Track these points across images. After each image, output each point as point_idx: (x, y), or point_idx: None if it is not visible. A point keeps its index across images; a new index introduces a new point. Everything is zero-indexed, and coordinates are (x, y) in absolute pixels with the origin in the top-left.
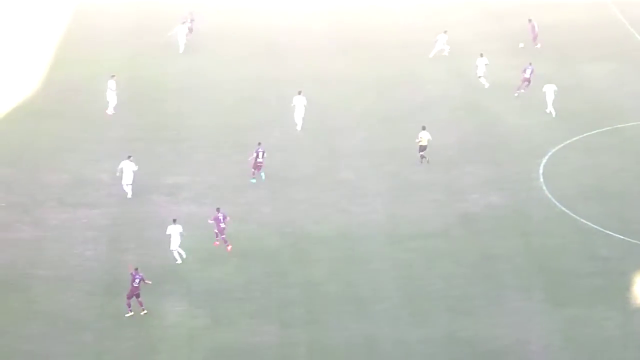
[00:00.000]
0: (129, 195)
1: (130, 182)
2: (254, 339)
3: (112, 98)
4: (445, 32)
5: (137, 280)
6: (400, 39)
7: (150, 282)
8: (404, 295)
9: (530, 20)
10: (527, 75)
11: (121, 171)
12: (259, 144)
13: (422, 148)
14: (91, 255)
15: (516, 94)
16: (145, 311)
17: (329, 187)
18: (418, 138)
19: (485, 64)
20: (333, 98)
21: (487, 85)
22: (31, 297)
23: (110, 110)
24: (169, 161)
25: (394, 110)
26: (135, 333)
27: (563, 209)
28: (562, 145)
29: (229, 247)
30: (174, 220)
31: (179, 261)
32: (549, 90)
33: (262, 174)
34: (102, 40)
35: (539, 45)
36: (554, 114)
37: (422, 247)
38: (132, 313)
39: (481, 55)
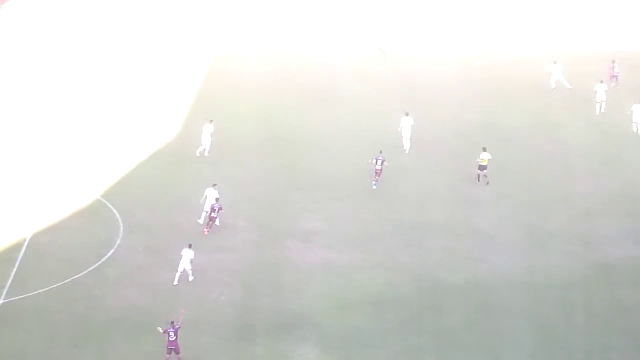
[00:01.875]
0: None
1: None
2: None
3: (206, 141)
4: (555, 62)
5: (171, 334)
6: (537, 86)
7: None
8: (539, 347)
9: (613, 61)
10: None
11: (205, 198)
12: (380, 152)
13: (482, 167)
14: (226, 300)
15: None
16: None
17: (464, 236)
18: (479, 158)
19: (561, 70)
20: (467, 145)
21: (568, 85)
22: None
23: (199, 152)
24: (304, 207)
25: (531, 160)
26: None
27: None
28: None
29: (206, 231)
30: (190, 245)
31: (176, 282)
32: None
33: (374, 183)
34: (241, 86)
35: (613, 85)
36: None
37: (559, 298)
38: None
39: (555, 62)
